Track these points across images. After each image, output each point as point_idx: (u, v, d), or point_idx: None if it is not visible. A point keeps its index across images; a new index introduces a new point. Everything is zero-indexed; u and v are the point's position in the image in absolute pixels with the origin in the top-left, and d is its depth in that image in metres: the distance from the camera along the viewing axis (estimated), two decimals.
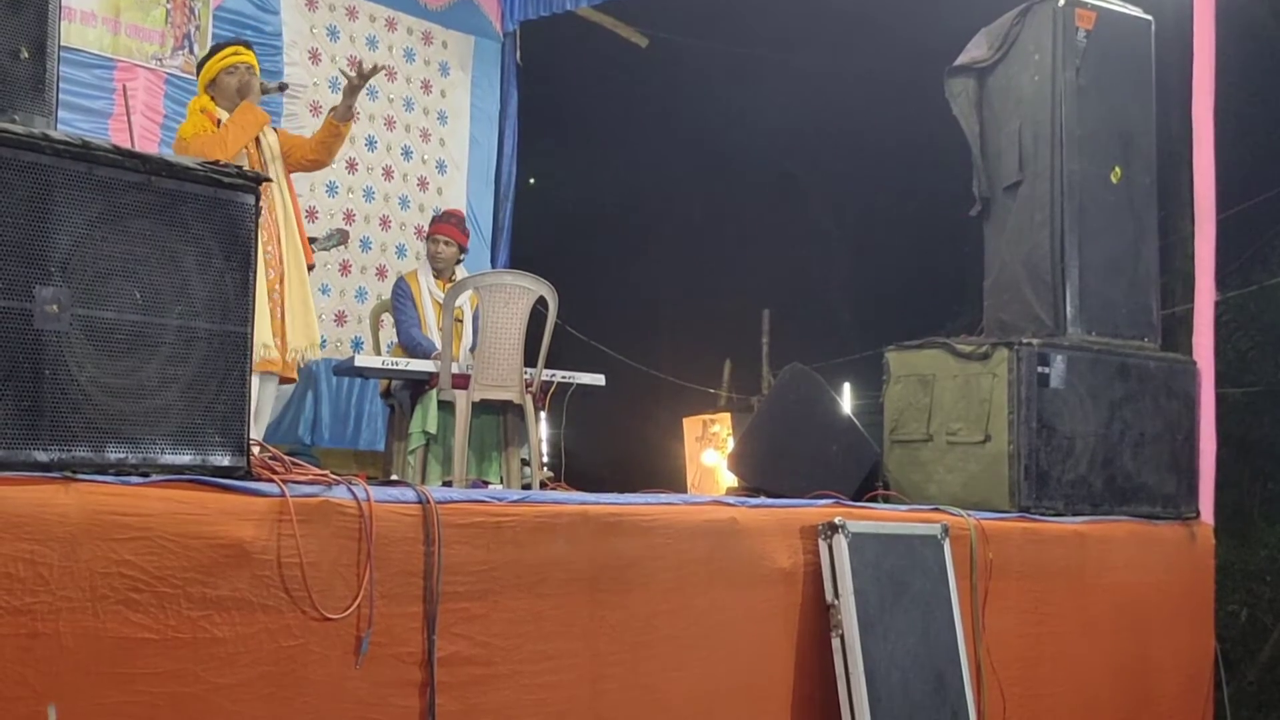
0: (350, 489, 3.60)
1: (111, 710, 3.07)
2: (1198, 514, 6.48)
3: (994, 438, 5.88)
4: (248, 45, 6.43)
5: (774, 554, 4.70)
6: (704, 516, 4.54)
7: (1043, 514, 5.78)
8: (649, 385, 11.96)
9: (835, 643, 4.70)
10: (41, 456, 3.14)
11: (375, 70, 6.47)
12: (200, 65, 6.42)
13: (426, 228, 7.81)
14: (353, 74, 6.46)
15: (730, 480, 6.56)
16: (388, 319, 7.71)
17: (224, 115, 6.14)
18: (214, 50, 6.44)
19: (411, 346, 7.17)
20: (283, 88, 6.80)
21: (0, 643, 2.91)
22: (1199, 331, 6.71)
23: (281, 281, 6.05)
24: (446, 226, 7.51)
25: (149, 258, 3.39)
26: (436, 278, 7.42)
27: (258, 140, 6.19)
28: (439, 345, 6.90)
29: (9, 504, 2.96)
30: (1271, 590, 9.26)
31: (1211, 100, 6.65)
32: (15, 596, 2.93)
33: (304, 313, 6.15)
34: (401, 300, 7.35)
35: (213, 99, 6.22)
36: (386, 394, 7.23)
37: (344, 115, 6.44)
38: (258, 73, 6.34)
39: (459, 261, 7.53)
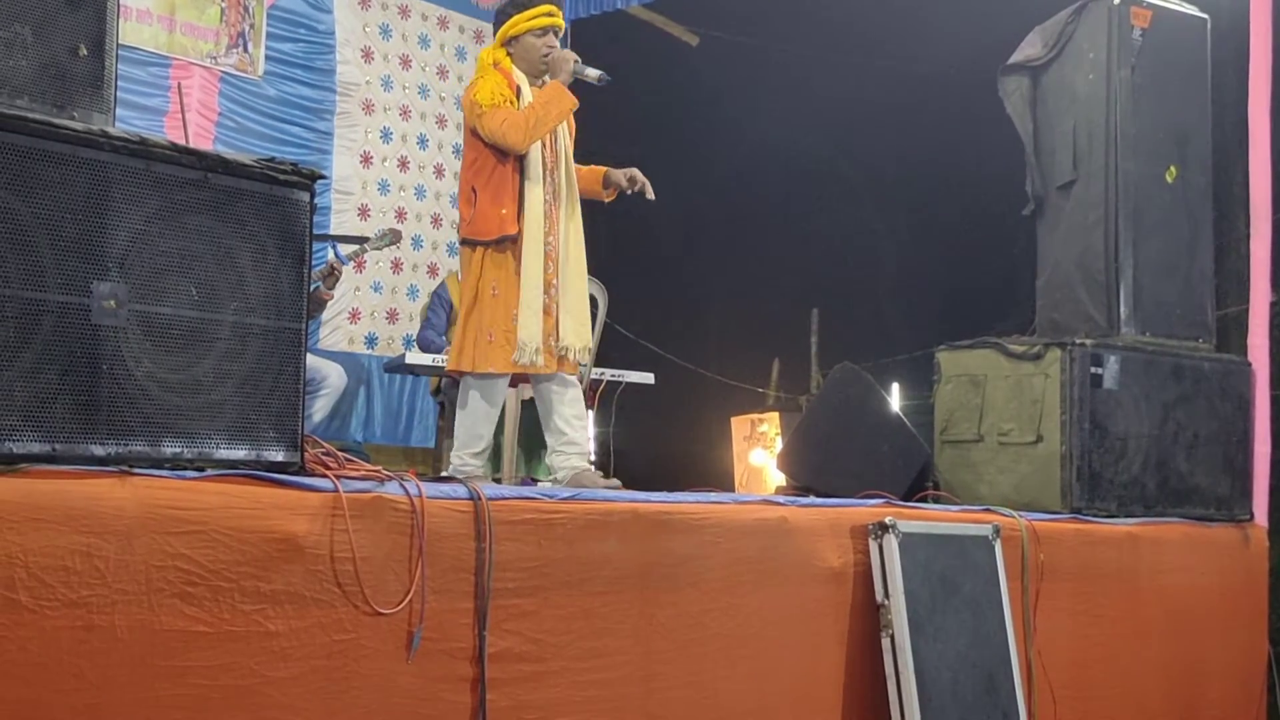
0: (402, 485, 3.60)
1: (165, 703, 3.09)
2: (1251, 516, 6.43)
3: (1046, 438, 5.85)
4: (558, 4, 5.73)
5: (824, 553, 4.69)
6: (754, 515, 4.53)
7: (1095, 515, 5.75)
8: (697, 384, 11.92)
9: (885, 643, 4.69)
10: (98, 451, 3.16)
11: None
12: (502, 14, 5.66)
13: None
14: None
15: (779, 480, 6.55)
16: None
17: (522, 80, 5.53)
18: (523, 3, 5.64)
19: (423, 346, 7.22)
20: (603, 80, 5.75)
21: (56, 635, 2.93)
22: (1254, 332, 6.66)
23: (558, 276, 5.52)
24: None
25: (205, 254, 3.41)
26: None
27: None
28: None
29: (66, 497, 2.98)
30: None
31: (1267, 100, 6.59)
32: (71, 589, 2.95)
33: (579, 312, 5.59)
34: (435, 306, 7.38)
35: (510, 55, 5.58)
36: (437, 391, 7.27)
37: (611, 184, 6.12)
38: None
39: None
